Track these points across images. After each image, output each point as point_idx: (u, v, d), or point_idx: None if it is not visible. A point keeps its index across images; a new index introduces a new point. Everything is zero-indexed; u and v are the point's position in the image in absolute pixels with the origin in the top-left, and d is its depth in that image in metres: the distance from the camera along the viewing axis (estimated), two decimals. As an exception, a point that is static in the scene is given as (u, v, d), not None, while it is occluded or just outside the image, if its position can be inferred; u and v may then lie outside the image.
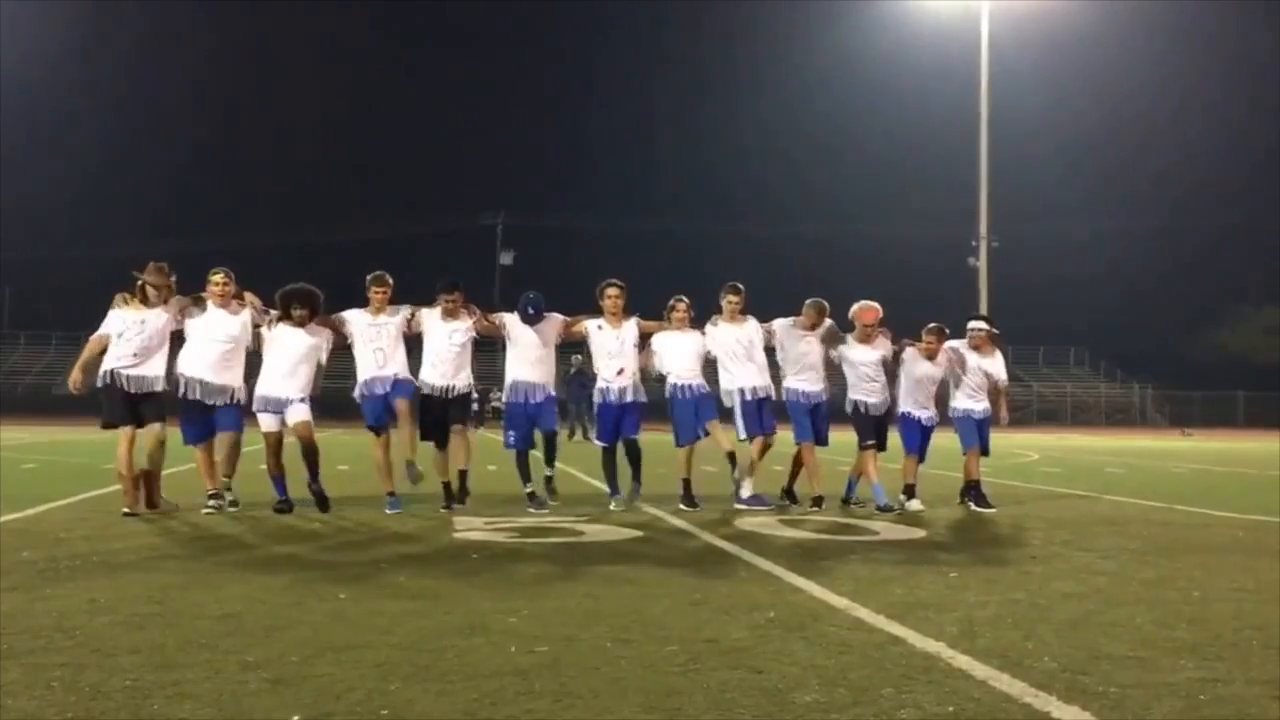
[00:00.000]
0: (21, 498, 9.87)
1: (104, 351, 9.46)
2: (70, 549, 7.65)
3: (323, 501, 9.84)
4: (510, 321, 10.45)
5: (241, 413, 9.95)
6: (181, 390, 9.71)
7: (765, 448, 10.85)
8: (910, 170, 71.12)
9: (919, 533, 9.23)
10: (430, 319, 10.33)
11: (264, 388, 9.94)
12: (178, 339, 9.80)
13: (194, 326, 9.79)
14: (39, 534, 8.37)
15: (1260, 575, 7.09)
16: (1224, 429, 52.46)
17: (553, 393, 10.52)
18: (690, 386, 10.67)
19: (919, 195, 69.12)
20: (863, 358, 10.89)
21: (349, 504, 10.10)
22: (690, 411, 10.64)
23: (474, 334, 10.41)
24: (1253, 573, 7.18)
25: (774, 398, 10.85)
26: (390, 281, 10.31)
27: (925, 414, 11.17)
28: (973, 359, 11.38)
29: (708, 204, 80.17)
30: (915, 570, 7.17)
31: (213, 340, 9.76)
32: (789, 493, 11.06)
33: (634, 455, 10.60)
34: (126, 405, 9.42)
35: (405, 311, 10.33)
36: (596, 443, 10.90)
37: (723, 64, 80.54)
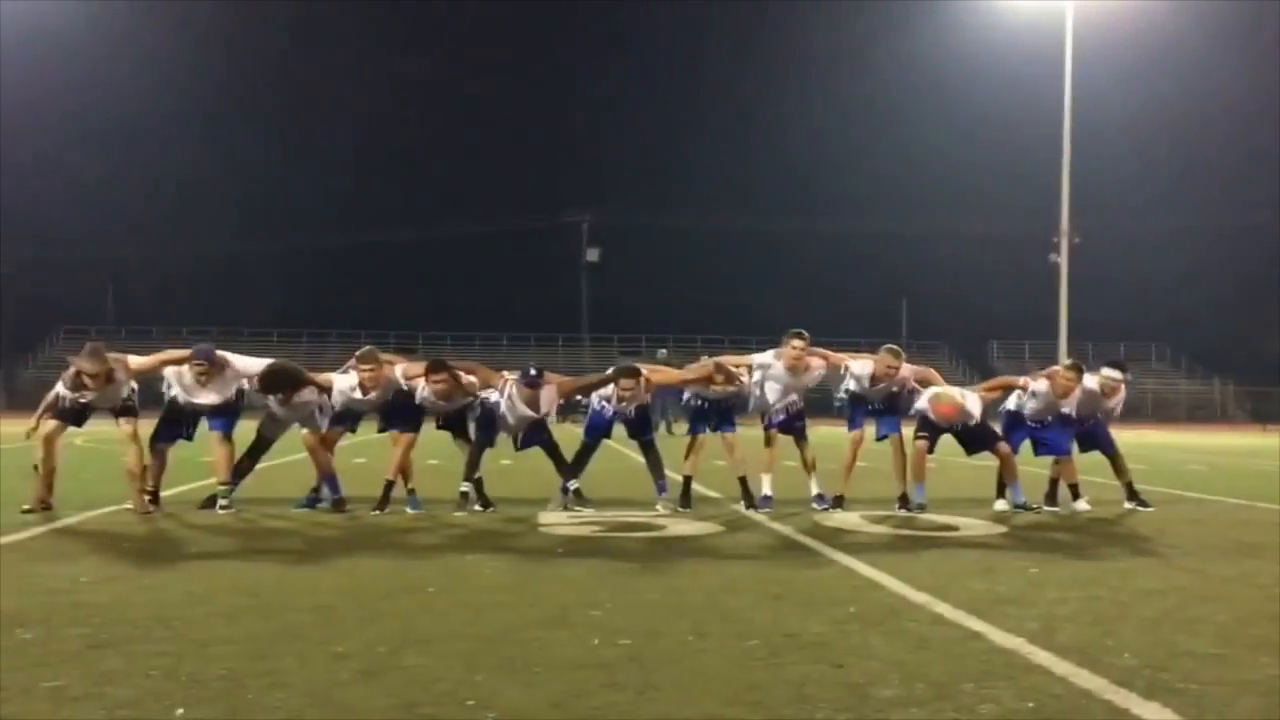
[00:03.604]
0: (123, 492, 10.08)
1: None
2: (164, 544, 7.87)
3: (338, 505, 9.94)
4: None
5: (236, 415, 10.14)
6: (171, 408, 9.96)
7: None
8: (991, 166, 70.37)
9: (999, 529, 9.20)
10: (423, 389, 10.02)
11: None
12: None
13: (174, 389, 9.87)
14: (134, 529, 8.61)
15: (1346, 573, 7.01)
16: (1305, 426, 51.41)
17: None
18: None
19: (999, 191, 68.35)
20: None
21: (438, 503, 10.19)
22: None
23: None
24: (1338, 571, 7.10)
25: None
26: (379, 360, 10.03)
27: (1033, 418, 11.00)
28: (1098, 401, 11.13)
29: (790, 201, 79.69)
30: (995, 566, 7.16)
31: (193, 406, 9.91)
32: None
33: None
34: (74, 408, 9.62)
35: (399, 381, 10.08)
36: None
37: (808, 62, 79.94)
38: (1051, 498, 11.00)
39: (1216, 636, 5.08)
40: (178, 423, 10.01)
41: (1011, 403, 11.13)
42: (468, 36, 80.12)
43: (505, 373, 10.26)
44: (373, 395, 9.97)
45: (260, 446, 10.30)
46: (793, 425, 10.74)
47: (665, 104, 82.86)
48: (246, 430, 10.21)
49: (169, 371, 9.84)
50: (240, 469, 10.13)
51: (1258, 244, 66.11)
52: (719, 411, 10.68)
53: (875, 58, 71.84)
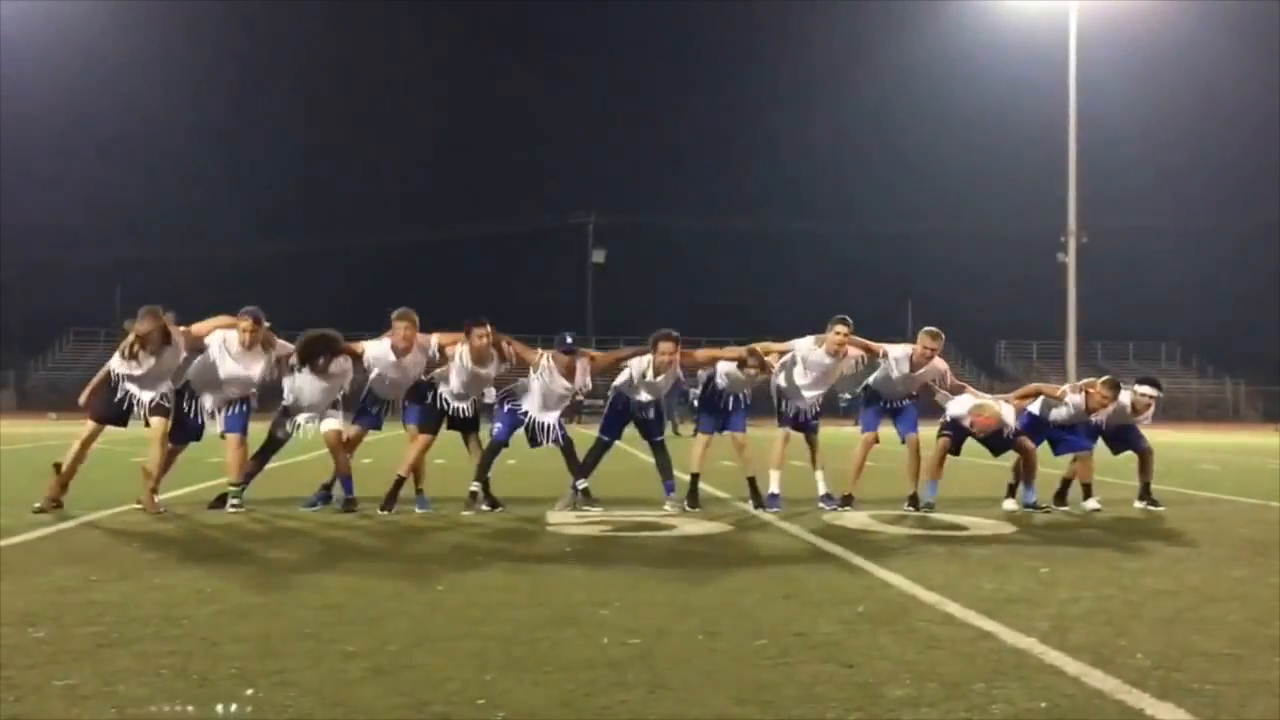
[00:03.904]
0: (132, 492, 10.11)
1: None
2: (174, 543, 7.86)
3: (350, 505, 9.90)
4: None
5: (248, 416, 10.03)
6: (188, 396, 9.88)
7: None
8: (995, 166, 70.26)
9: (1009, 528, 9.18)
10: (461, 355, 10.03)
11: (298, 411, 10.18)
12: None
13: (215, 359, 9.80)
14: (144, 528, 8.61)
15: (1359, 573, 6.97)
16: (1319, 425, 51.27)
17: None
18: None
19: (1004, 191, 68.24)
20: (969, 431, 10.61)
21: (446, 502, 10.21)
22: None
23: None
24: (1351, 571, 7.07)
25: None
26: (414, 318, 10.01)
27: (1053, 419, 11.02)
28: (1130, 418, 11.14)
29: (796, 203, 79.66)
30: (1005, 566, 7.14)
31: (232, 381, 9.86)
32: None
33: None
34: (116, 405, 9.54)
35: (433, 351, 10.12)
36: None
37: (812, 64, 79.79)
38: (1062, 497, 10.99)
39: (1230, 637, 5.06)
40: (193, 423, 9.99)
41: (1035, 406, 11.07)
42: (474, 39, 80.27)
43: (540, 349, 10.30)
44: (406, 360, 9.99)
45: (271, 446, 10.29)
46: (808, 423, 10.72)
47: (671, 106, 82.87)
48: (257, 433, 10.19)
49: (214, 341, 9.80)
50: (250, 469, 10.13)
51: (1268, 242, 65.87)
52: (730, 410, 10.62)
53: (881, 59, 71.74)
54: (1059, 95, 46.60)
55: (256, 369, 9.89)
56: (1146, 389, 11.12)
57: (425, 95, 77.02)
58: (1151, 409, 11.24)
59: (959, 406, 10.60)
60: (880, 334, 11.05)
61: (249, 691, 3.99)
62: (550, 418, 10.23)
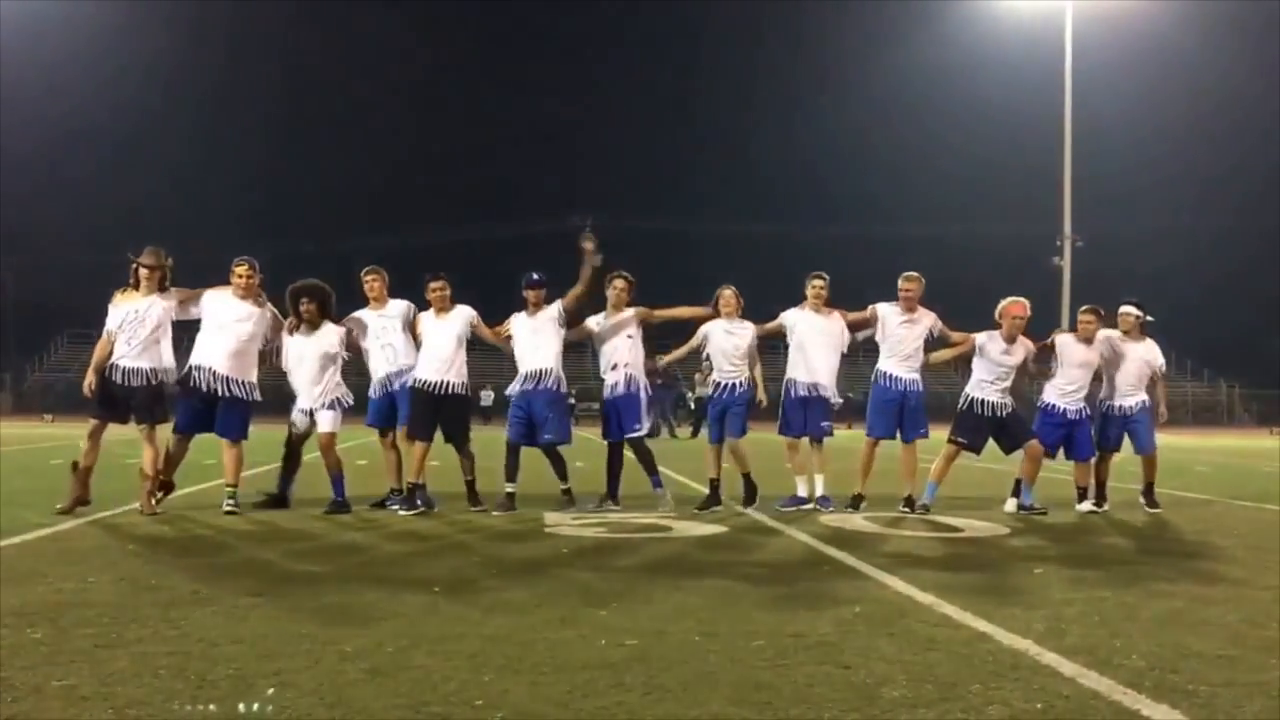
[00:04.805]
0: (131, 491, 10.09)
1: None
2: (172, 544, 7.86)
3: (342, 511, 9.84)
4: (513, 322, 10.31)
5: (248, 420, 9.92)
6: (192, 381, 9.68)
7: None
8: (990, 170, 70.33)
9: (1002, 530, 9.18)
10: (426, 319, 10.22)
11: (298, 400, 10.16)
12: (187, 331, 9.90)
13: (210, 314, 9.74)
14: (141, 529, 8.60)
15: (1353, 575, 6.99)
16: (1314, 429, 51.28)
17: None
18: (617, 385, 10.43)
19: (1001, 193, 68.31)
20: (1002, 358, 10.45)
21: (441, 500, 10.23)
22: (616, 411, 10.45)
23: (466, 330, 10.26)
24: (1346, 573, 7.08)
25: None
26: (383, 272, 10.36)
27: (1073, 406, 10.77)
28: (1128, 348, 10.96)
29: (789, 206, 79.83)
30: (1000, 567, 7.17)
31: (228, 328, 9.70)
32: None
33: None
34: (116, 399, 9.49)
35: (405, 307, 10.34)
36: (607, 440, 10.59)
37: (810, 68, 79.99)
38: (1100, 498, 10.87)
39: (1225, 638, 5.08)
40: (199, 413, 9.90)
41: (1049, 395, 10.94)
42: (470, 40, 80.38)
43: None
44: (383, 312, 10.25)
45: (294, 444, 10.25)
46: (819, 425, 10.66)
47: (668, 107, 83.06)
48: (254, 438, 10.18)
49: (209, 298, 9.76)
50: (285, 474, 10.20)
51: (1264, 246, 65.98)
52: (731, 409, 10.57)
53: (875, 63, 72.13)
54: (1054, 99, 46.58)
55: (258, 312, 9.86)
56: (1126, 307, 11.06)
57: (421, 98, 77.17)
58: (1147, 339, 11.10)
59: (984, 335, 10.54)
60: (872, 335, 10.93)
61: (247, 692, 3.99)
62: (545, 361, 10.13)
